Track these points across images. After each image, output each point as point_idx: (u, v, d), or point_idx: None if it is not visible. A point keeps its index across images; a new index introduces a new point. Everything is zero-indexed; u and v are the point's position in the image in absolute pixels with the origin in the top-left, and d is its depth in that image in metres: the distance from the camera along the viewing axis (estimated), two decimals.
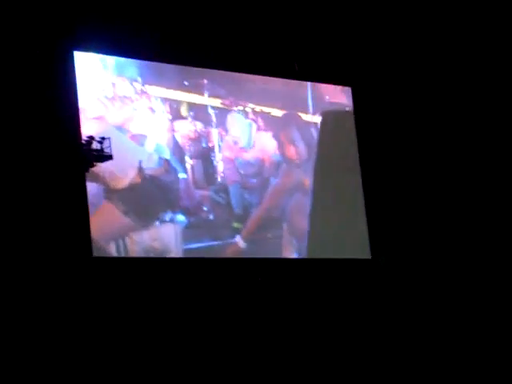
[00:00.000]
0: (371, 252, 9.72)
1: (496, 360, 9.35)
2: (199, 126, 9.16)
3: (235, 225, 9.12)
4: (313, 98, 9.82)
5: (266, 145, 9.53)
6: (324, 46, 9.73)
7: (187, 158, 9.01)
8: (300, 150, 9.68)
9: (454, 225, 9.86)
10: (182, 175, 8.93)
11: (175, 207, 8.81)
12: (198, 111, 9.17)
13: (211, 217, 9.00)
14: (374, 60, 9.99)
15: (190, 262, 8.70)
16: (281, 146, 9.60)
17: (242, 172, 9.33)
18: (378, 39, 9.88)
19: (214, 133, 9.23)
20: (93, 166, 8.35)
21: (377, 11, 9.68)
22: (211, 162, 9.17)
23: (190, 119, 9.13)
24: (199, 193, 9.00)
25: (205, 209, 8.98)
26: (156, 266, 8.47)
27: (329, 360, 8.90)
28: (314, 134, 9.79)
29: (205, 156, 9.14)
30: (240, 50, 9.27)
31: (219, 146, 9.25)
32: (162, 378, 8.08)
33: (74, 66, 8.37)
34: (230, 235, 9.07)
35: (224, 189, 9.17)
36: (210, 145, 9.20)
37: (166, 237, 8.64)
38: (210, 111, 9.24)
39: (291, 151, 9.64)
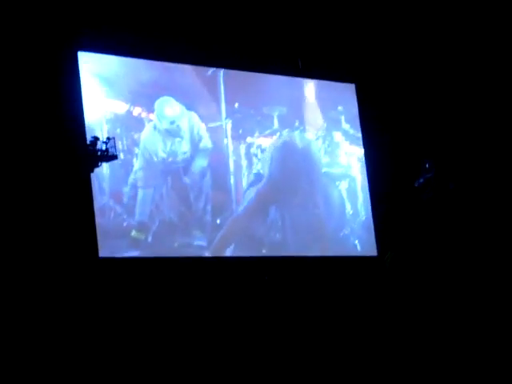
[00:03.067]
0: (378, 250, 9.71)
1: (504, 357, 9.31)
2: None
3: None
4: None
5: None
6: (327, 44, 9.70)
7: None
8: None
9: (462, 222, 9.82)
10: None
11: None
12: None
13: None
14: (377, 57, 9.95)
15: (196, 262, 8.70)
16: None
17: None
18: (382, 36, 9.85)
19: None
20: (98, 166, 8.35)
21: (379, 8, 9.67)
22: None
23: None
24: None
25: None
26: (164, 266, 8.46)
27: (335, 357, 8.87)
28: None
29: None
30: (243, 48, 9.27)
31: None
32: (169, 376, 8.05)
33: (78, 67, 8.36)
34: None
35: None
36: None
37: None
38: None
39: None
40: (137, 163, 8.72)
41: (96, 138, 8.33)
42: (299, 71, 9.70)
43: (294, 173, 9.66)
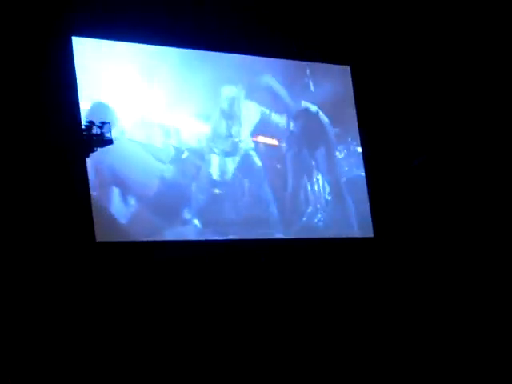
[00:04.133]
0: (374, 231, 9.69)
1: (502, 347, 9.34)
2: None
3: None
4: None
5: None
6: (321, 25, 9.66)
7: None
8: None
9: (462, 204, 9.82)
10: None
11: None
12: None
13: None
14: (372, 37, 9.92)
15: (195, 245, 8.68)
16: None
17: None
18: (377, 16, 9.82)
19: None
20: (93, 151, 8.33)
21: None
22: None
23: None
24: None
25: None
26: (161, 250, 8.46)
27: (334, 345, 8.88)
28: None
29: None
30: (237, 30, 9.22)
31: None
32: (168, 366, 8.08)
33: (72, 51, 8.31)
34: None
35: None
36: None
37: None
38: None
39: None
40: None
41: (91, 123, 8.30)
42: (294, 54, 9.66)
43: None
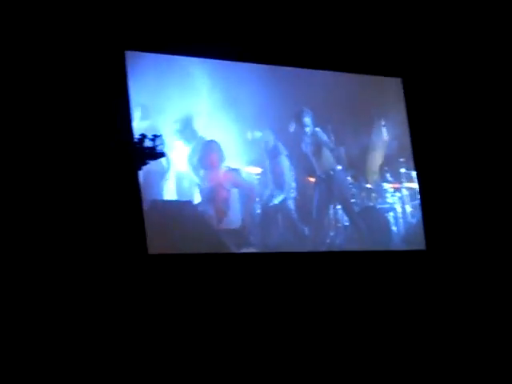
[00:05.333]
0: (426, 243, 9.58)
1: None
2: None
3: None
4: None
5: None
6: (372, 37, 9.64)
7: None
8: None
9: None
10: None
11: None
12: None
13: None
14: (425, 50, 9.87)
15: (247, 258, 8.68)
16: None
17: None
18: (429, 28, 9.78)
19: None
20: (145, 163, 8.37)
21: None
22: None
23: None
24: None
25: None
26: (213, 263, 8.47)
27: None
28: None
29: None
30: (285, 42, 9.22)
31: None
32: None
33: (125, 65, 8.38)
34: None
35: None
36: None
37: None
38: None
39: None
40: None
41: (143, 136, 8.36)
42: (342, 66, 9.62)
43: None
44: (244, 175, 8.96)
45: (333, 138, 9.49)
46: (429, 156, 9.75)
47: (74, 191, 7.82)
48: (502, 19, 9.70)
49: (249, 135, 9.06)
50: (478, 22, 9.73)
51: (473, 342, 9.18)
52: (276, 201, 9.05)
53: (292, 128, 9.32)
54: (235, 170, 8.92)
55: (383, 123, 9.75)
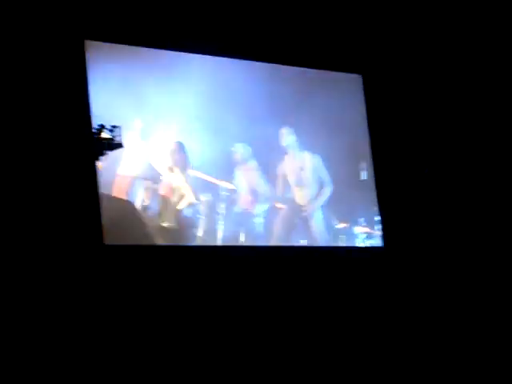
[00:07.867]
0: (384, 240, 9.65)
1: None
2: None
3: None
4: None
5: None
6: (333, 33, 9.66)
7: None
8: None
9: (472, 214, 9.77)
10: None
11: None
12: None
13: None
14: (385, 47, 9.91)
15: (206, 250, 8.72)
16: None
17: None
18: (389, 25, 9.81)
19: None
20: (103, 154, 8.34)
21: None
22: None
23: None
24: None
25: None
26: (170, 254, 8.49)
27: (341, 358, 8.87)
28: None
29: None
30: (250, 37, 9.24)
31: None
32: (172, 367, 8.08)
33: (84, 55, 8.35)
34: None
35: None
36: None
37: None
38: None
39: None
40: None
41: (102, 126, 8.33)
42: (304, 61, 9.64)
43: None
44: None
45: None
46: (386, 151, 9.81)
47: (29, 181, 7.78)
48: (462, 16, 9.77)
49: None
50: (439, 19, 9.79)
51: (431, 337, 9.26)
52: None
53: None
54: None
55: None
